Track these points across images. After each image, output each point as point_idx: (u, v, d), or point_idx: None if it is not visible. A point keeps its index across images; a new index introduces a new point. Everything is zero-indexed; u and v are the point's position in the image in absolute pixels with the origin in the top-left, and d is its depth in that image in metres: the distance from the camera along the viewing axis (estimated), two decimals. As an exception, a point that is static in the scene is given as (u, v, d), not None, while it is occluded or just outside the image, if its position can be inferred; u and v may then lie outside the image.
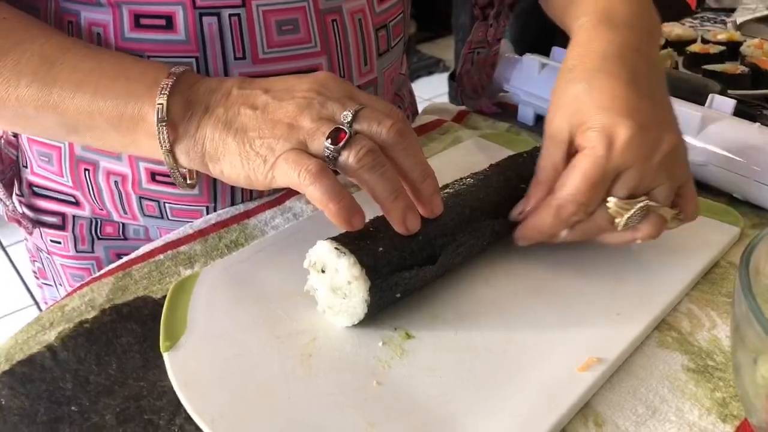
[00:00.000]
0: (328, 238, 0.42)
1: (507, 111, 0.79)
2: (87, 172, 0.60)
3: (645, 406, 0.39)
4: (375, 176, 0.41)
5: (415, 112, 0.84)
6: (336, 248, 0.41)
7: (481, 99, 0.79)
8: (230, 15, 0.52)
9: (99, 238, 0.64)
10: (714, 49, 0.88)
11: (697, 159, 0.58)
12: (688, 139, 0.58)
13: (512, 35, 1.83)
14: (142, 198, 0.60)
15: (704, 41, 0.93)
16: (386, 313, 0.44)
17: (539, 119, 0.74)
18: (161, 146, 0.44)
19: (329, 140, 0.40)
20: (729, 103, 0.60)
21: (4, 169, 0.65)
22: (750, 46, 0.88)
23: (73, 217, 0.64)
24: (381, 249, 0.42)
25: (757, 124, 0.57)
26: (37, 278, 0.74)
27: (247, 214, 0.58)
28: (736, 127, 0.57)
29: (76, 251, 0.65)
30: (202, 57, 0.52)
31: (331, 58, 0.56)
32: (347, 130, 0.41)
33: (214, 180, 0.58)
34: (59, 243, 0.65)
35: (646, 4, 0.53)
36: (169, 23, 0.51)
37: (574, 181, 0.43)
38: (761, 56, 0.84)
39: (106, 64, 0.46)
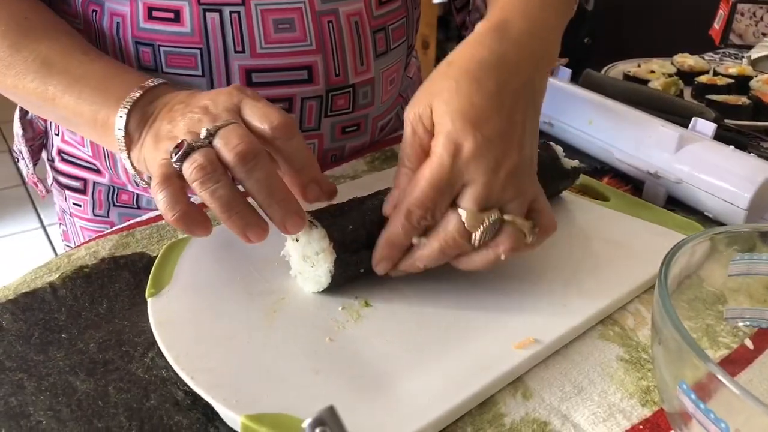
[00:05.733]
0: (306, 211, 0.47)
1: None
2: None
3: (573, 386, 0.42)
4: (205, 193, 0.42)
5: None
6: (310, 221, 0.46)
7: None
8: (231, 12, 0.58)
9: (114, 205, 0.71)
10: (721, 82, 0.90)
11: (673, 177, 0.61)
12: (666, 156, 0.62)
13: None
14: None
15: (716, 74, 0.95)
16: (351, 284, 0.48)
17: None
18: (121, 152, 0.50)
19: (175, 150, 0.42)
20: (710, 127, 0.63)
21: (34, 136, 0.73)
22: (759, 81, 0.90)
23: (94, 183, 0.70)
24: (351, 227, 0.46)
25: (731, 147, 0.60)
26: (62, 241, 0.80)
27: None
28: (712, 150, 0.60)
29: (94, 215, 0.71)
30: (206, 48, 0.58)
31: (326, 56, 0.61)
32: (187, 143, 0.42)
33: None
34: (80, 206, 0.72)
35: (550, 26, 0.51)
36: (176, 16, 0.58)
37: (419, 187, 0.43)
38: (767, 90, 0.86)
39: (92, 74, 0.53)
